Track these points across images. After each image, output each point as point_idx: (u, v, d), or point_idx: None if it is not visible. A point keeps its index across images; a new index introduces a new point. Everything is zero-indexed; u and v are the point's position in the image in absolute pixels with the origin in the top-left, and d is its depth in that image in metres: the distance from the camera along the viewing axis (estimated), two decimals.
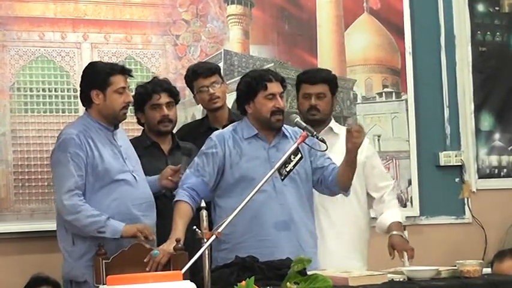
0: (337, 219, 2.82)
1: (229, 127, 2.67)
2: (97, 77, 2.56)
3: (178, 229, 2.42)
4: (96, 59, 3.19)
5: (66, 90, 3.16)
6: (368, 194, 2.93)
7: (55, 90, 3.15)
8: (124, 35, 3.23)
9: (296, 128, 2.57)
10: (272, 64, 3.43)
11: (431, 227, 3.75)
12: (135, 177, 2.57)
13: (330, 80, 2.82)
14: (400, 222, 2.86)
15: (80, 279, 2.55)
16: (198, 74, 2.84)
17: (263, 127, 2.55)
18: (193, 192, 2.48)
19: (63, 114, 3.15)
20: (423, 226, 3.73)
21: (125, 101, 2.55)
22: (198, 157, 2.56)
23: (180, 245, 2.42)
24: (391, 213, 2.87)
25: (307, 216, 2.63)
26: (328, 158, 2.65)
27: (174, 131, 2.86)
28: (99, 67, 2.66)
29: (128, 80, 2.63)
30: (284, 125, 2.65)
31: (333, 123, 2.84)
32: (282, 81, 2.64)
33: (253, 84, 2.54)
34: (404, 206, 3.65)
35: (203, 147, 2.58)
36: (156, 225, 2.63)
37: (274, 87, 2.54)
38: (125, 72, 2.60)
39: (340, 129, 2.84)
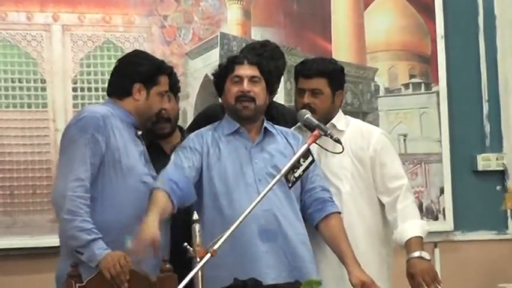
0: (351, 226, 2.46)
1: (211, 125, 2.45)
2: (147, 71, 2.39)
3: (150, 219, 2.14)
4: (68, 43, 2.99)
5: (33, 81, 2.92)
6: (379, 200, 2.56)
7: (19, 81, 2.90)
8: (101, 15, 2.99)
9: (288, 129, 2.41)
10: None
11: (468, 244, 3.48)
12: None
13: (327, 72, 2.44)
14: (420, 238, 2.39)
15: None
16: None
17: (236, 119, 2.34)
18: (172, 183, 2.23)
19: (29, 109, 2.90)
20: (458, 243, 3.48)
21: (162, 106, 2.45)
22: (173, 154, 2.33)
23: (167, 266, 2.10)
24: (408, 227, 2.41)
25: (297, 224, 2.42)
26: (318, 174, 2.43)
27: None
28: (151, 60, 2.49)
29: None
30: (266, 120, 2.42)
31: (336, 119, 2.49)
32: (260, 65, 2.37)
33: (222, 68, 2.36)
34: (436, 218, 3.44)
35: (179, 145, 2.41)
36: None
37: (243, 69, 2.30)
38: (172, 75, 2.47)
39: (347, 125, 2.52)
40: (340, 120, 2.47)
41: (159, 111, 2.45)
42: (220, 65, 2.44)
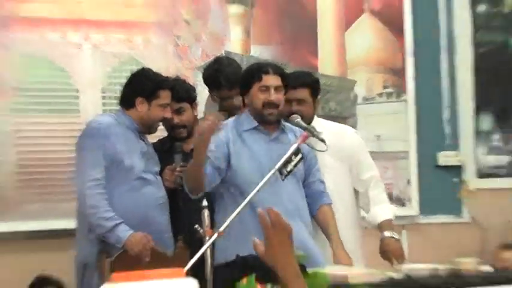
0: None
1: (231, 118, 2.62)
2: (146, 86, 2.63)
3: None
4: (97, 59, 3.21)
5: (67, 91, 3.17)
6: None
7: (55, 91, 3.15)
8: (125, 36, 3.21)
9: (296, 127, 2.53)
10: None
11: (430, 226, 3.75)
12: (156, 178, 2.64)
13: (309, 83, 2.75)
14: (390, 220, 2.80)
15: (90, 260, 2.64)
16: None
17: (259, 120, 2.52)
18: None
19: (64, 114, 3.15)
20: (422, 225, 3.73)
21: (164, 116, 2.63)
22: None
23: (181, 243, 2.48)
24: (380, 210, 2.81)
25: (306, 212, 2.61)
26: (318, 169, 2.63)
27: None
28: (150, 77, 2.69)
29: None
30: (284, 122, 2.59)
31: (315, 122, 2.76)
32: (282, 75, 2.55)
33: (249, 74, 2.50)
34: (403, 205, 3.67)
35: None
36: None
37: (269, 79, 2.46)
38: (174, 89, 2.67)
39: (324, 127, 2.74)
40: (317, 123, 2.68)
41: (170, 119, 2.70)
42: (247, 71, 2.60)
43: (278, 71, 2.55)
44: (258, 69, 2.50)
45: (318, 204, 2.57)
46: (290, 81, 2.65)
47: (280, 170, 2.26)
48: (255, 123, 2.50)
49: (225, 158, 2.50)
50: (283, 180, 2.35)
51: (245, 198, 2.25)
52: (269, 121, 2.50)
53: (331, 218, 2.57)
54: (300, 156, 2.35)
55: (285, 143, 2.50)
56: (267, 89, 2.43)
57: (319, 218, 2.54)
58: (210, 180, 2.48)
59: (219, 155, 2.48)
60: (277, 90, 2.46)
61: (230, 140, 2.52)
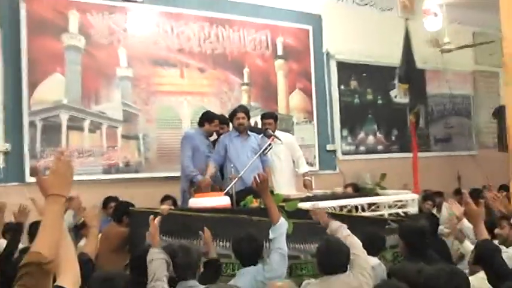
0: (283, 169, 4.03)
1: (229, 132, 3.79)
2: (208, 117, 3.95)
3: (206, 177, 3.55)
4: (188, 107, 4.55)
5: (176, 119, 4.57)
6: (292, 160, 4.05)
7: (173, 119, 4.59)
8: (200, 97, 4.59)
9: (256, 134, 3.70)
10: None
11: (324, 175, 5.26)
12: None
13: (274, 116, 4.02)
14: (307, 172, 4.03)
15: (186, 188, 3.82)
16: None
17: (238, 131, 3.61)
18: (214, 159, 3.70)
19: (177, 129, 4.43)
20: (320, 174, 5.16)
21: (215, 130, 3.91)
22: (217, 144, 3.83)
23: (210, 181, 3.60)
24: (302, 168, 4.06)
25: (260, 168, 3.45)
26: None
27: None
28: (210, 114, 4.08)
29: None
30: (249, 132, 3.66)
31: (276, 132, 3.85)
32: (245, 111, 3.68)
33: (233, 113, 3.73)
34: (312, 165, 5.17)
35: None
36: None
37: (240, 114, 3.65)
38: (219, 119, 3.93)
39: (280, 134, 3.82)
40: (277, 133, 3.82)
41: (217, 131, 4.00)
42: (232, 112, 3.75)
43: (243, 109, 3.65)
44: (236, 110, 3.66)
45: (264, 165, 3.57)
46: (265, 115, 4.02)
47: (262, 152, 3.51)
48: (237, 133, 3.65)
49: (224, 150, 3.64)
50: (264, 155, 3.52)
51: (234, 166, 3.41)
52: (241, 131, 3.56)
53: (270, 173, 3.60)
54: (270, 147, 3.55)
55: (250, 141, 3.63)
56: (239, 118, 3.62)
57: (267, 171, 3.48)
58: (218, 162, 3.62)
59: (221, 149, 3.64)
60: (243, 118, 3.61)
61: (227, 141, 3.67)
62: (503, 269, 2.12)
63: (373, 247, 2.71)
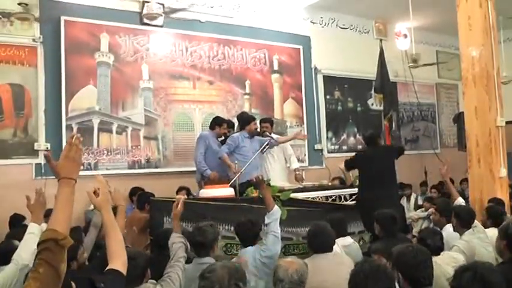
0: (276, 166, 4.00)
1: (240, 132, 3.72)
2: (218, 122, 3.88)
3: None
4: (200, 114, 4.54)
5: (190, 124, 4.49)
6: (285, 158, 4.02)
7: (188, 123, 4.51)
8: (209, 105, 4.56)
9: (259, 137, 3.71)
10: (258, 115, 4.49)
11: (312, 170, 5.23)
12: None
13: (270, 121, 3.99)
14: (298, 168, 4.01)
15: (199, 181, 3.77)
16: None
17: (250, 134, 3.68)
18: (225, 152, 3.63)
19: (192, 131, 4.40)
20: (309, 169, 5.12)
21: (224, 132, 3.82)
22: (227, 140, 3.75)
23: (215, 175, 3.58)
24: (294, 165, 4.05)
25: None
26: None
27: None
28: (219, 119, 3.96)
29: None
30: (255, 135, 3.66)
31: (272, 134, 3.88)
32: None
33: (249, 118, 3.75)
34: (302, 162, 5.15)
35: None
36: None
37: (255, 121, 3.72)
38: (227, 123, 3.88)
39: (274, 136, 3.80)
40: (273, 135, 3.84)
41: (225, 133, 3.94)
42: (249, 117, 3.72)
43: (254, 118, 3.67)
44: (252, 117, 3.69)
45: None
46: (263, 120, 3.99)
47: (261, 150, 3.65)
48: (248, 135, 3.67)
49: (235, 145, 3.62)
50: (262, 153, 3.64)
51: (244, 158, 3.41)
52: (254, 134, 3.67)
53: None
54: (267, 145, 3.69)
55: (255, 141, 3.68)
56: (254, 124, 3.70)
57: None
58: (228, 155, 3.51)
59: (234, 146, 3.64)
60: (255, 125, 3.69)
61: (239, 139, 3.69)
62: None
63: (342, 229, 2.83)
